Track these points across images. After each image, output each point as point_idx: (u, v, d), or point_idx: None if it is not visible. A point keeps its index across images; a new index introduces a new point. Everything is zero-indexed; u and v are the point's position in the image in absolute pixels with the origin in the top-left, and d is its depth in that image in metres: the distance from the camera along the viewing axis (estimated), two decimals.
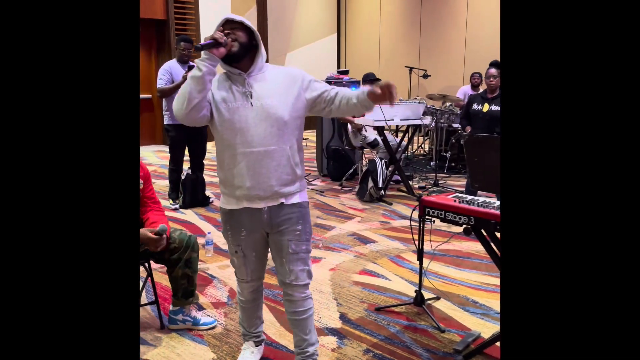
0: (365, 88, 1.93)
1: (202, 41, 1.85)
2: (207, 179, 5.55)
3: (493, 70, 4.39)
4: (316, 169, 6.76)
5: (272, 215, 1.98)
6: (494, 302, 2.99)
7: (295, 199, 2.01)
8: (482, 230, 2.32)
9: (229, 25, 1.91)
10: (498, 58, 6.51)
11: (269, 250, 2.11)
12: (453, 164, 6.75)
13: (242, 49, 1.90)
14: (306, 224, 2.05)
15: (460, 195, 2.50)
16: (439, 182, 5.97)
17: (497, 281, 3.30)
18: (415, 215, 2.59)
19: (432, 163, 6.94)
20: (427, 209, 2.43)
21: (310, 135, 8.32)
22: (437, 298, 3.04)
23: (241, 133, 1.88)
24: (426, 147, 8.11)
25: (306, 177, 6.38)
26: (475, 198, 2.42)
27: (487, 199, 2.39)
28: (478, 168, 2.03)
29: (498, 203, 2.32)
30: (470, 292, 3.14)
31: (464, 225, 2.30)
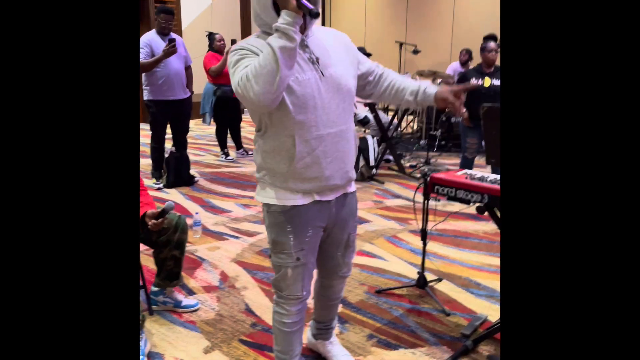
0: (429, 86, 1.66)
1: None
2: (191, 157, 5.33)
3: (493, 44, 4.22)
4: None
5: (339, 207, 1.72)
6: (498, 284, 2.88)
7: (354, 186, 1.79)
8: (495, 209, 2.19)
9: None
10: (486, 33, 6.35)
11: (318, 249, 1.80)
12: (443, 142, 6.62)
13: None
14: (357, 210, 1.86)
15: (469, 172, 2.35)
16: (430, 161, 5.84)
17: (499, 262, 3.19)
18: (419, 195, 2.44)
19: (422, 141, 6.81)
20: (435, 187, 2.28)
21: None
22: (440, 280, 2.92)
23: (316, 111, 1.51)
24: (414, 125, 7.97)
25: None
26: (486, 175, 2.27)
27: (497, 176, 2.25)
28: (496, 142, 1.88)
29: None
30: (473, 273, 3.03)
31: (477, 204, 2.15)
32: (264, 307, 2.59)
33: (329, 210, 1.68)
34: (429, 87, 1.67)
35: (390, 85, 1.74)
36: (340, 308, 2.58)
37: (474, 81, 4.27)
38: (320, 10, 1.39)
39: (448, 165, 5.68)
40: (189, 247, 3.33)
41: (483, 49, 4.27)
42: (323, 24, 11.65)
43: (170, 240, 2.39)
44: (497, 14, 8.54)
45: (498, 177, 2.21)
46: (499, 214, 2.20)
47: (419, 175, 5.30)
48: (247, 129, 7.96)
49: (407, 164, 5.75)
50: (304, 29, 1.52)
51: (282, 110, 1.49)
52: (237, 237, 3.59)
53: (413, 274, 2.96)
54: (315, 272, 1.83)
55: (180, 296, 2.60)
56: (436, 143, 6.54)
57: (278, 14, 1.44)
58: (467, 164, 4.45)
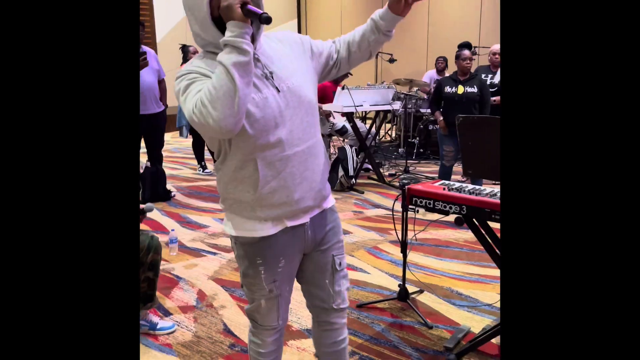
0: (378, 11, 1.51)
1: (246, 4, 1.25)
2: (167, 171, 5.23)
3: (468, 52, 4.25)
4: None
5: (315, 228, 1.52)
6: (480, 293, 2.86)
7: (331, 201, 1.59)
8: (474, 220, 2.16)
9: None
10: (461, 41, 6.40)
11: (298, 275, 1.63)
12: (421, 150, 6.64)
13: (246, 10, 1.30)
14: (341, 229, 1.65)
15: (446, 182, 2.33)
16: (409, 169, 5.84)
17: (480, 270, 3.17)
18: (398, 205, 2.41)
19: (400, 150, 6.81)
20: (413, 198, 2.25)
21: None
22: (421, 291, 2.89)
23: (279, 132, 1.36)
24: (392, 133, 7.98)
25: None
26: (463, 185, 2.25)
27: (475, 186, 2.23)
28: (473, 153, 1.85)
29: (490, 190, 2.17)
30: (454, 283, 3.00)
31: (456, 215, 2.13)
32: (242, 327, 2.52)
33: (304, 235, 1.50)
34: (379, 10, 1.52)
35: (350, 43, 1.55)
36: None
37: (448, 89, 4.29)
38: (270, 15, 1.25)
39: (427, 173, 5.69)
40: (164, 265, 3.24)
41: (457, 57, 4.30)
42: (299, 30, 11.67)
43: (143, 262, 2.31)
44: (471, 23, 8.64)
45: (476, 187, 2.19)
46: (477, 224, 2.18)
47: (398, 184, 5.28)
48: None
49: (386, 173, 5.74)
50: (253, 40, 1.35)
51: (240, 134, 1.33)
52: (214, 253, 3.51)
53: (394, 285, 2.92)
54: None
55: (155, 318, 2.52)
56: (414, 151, 6.55)
57: (220, 29, 1.31)
58: (445, 171, 4.45)
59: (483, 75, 4.75)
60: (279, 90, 1.38)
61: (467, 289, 2.93)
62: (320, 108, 5.30)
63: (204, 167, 5.99)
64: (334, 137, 5.85)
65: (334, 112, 5.30)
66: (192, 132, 5.82)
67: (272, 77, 1.38)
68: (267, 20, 1.24)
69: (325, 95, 5.31)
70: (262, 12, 1.25)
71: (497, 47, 4.76)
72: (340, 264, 1.60)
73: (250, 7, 1.25)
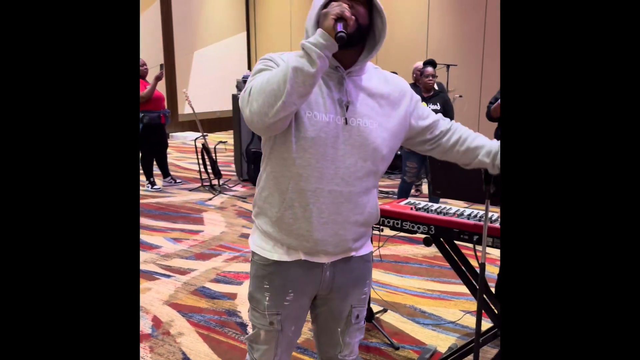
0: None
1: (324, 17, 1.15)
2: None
3: (431, 69, 4.27)
4: (235, 174, 6.38)
5: (336, 272, 1.39)
6: (443, 310, 2.86)
7: (365, 249, 1.45)
8: (441, 239, 2.15)
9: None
10: (412, 57, 6.52)
11: (312, 317, 1.51)
12: None
13: (357, 34, 1.22)
14: (371, 281, 1.52)
15: (412, 201, 2.31)
16: None
17: (442, 287, 3.18)
18: None
19: None
20: (381, 218, 2.21)
21: (228, 137, 7.90)
22: (385, 310, 2.85)
23: (323, 161, 1.25)
24: None
25: (225, 183, 6.07)
26: (429, 204, 2.24)
27: (441, 205, 2.23)
28: (442, 173, 1.84)
29: (456, 209, 2.16)
30: (417, 300, 2.99)
31: (424, 236, 2.11)
32: (203, 355, 2.39)
33: (321, 275, 1.37)
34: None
35: (460, 141, 1.43)
36: None
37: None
38: (345, 35, 1.14)
39: (382, 187, 5.72)
40: None
41: (421, 74, 4.32)
42: (249, 42, 11.59)
43: None
44: (424, 40, 8.84)
45: (443, 206, 2.19)
46: (445, 244, 2.17)
47: None
48: (174, 155, 7.65)
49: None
50: (350, 62, 1.28)
51: (285, 144, 1.25)
52: (168, 276, 3.35)
53: None
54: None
55: None
56: None
57: None
58: (405, 188, 4.48)
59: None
60: (347, 122, 1.27)
61: (430, 306, 2.92)
62: None
63: (152, 184, 5.77)
64: None
65: None
66: (141, 147, 5.59)
67: (347, 108, 1.27)
68: (340, 39, 1.13)
69: None
70: (340, 30, 1.14)
71: (428, 69, 4.67)
72: (358, 316, 1.47)
73: (340, 26, 1.15)
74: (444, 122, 1.46)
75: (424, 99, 4.28)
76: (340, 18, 1.14)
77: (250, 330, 2.60)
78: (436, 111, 4.24)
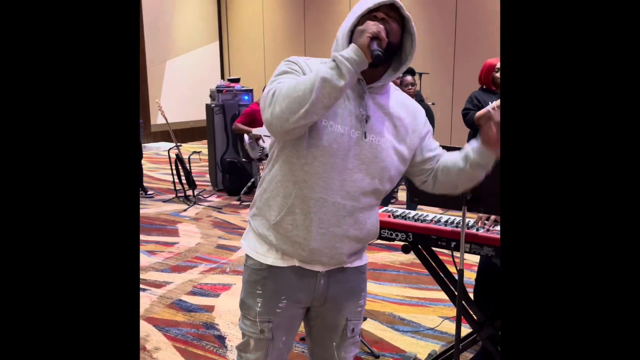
0: (472, 143, 1.37)
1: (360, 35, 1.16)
2: None
3: (410, 78, 4.31)
4: (210, 184, 6.32)
5: (331, 282, 1.36)
6: (421, 317, 2.87)
7: (360, 261, 1.43)
8: (419, 246, 2.16)
9: (384, 9, 1.23)
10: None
11: (306, 330, 1.48)
12: None
13: (388, 52, 1.21)
14: (366, 294, 1.50)
15: (389, 209, 2.32)
16: None
17: (420, 294, 3.20)
18: None
19: None
20: None
21: (202, 147, 7.83)
22: (364, 319, 2.85)
23: (332, 171, 1.24)
24: None
25: (200, 194, 5.99)
26: (406, 211, 2.26)
27: (419, 212, 2.25)
28: None
29: (433, 216, 2.18)
30: (396, 308, 3.00)
31: (403, 243, 2.12)
32: None
33: (316, 283, 1.34)
34: (473, 142, 1.38)
35: (442, 166, 1.41)
36: None
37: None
38: (382, 54, 1.15)
39: None
40: None
41: (400, 83, 4.35)
42: (221, 52, 11.53)
43: None
44: None
45: (420, 213, 2.21)
46: (424, 251, 2.18)
47: None
48: (147, 166, 7.53)
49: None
50: (373, 78, 1.28)
51: (296, 149, 1.24)
52: (143, 290, 3.28)
53: None
54: None
55: None
56: None
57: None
58: (385, 197, 4.47)
59: None
60: (365, 136, 1.26)
61: (409, 313, 2.93)
62: (249, 132, 5.21)
63: None
64: (264, 162, 5.75)
65: (264, 136, 5.22)
66: None
67: (366, 122, 1.27)
68: (377, 57, 1.14)
69: (255, 119, 5.23)
70: (375, 48, 1.15)
71: (407, 78, 4.75)
72: (353, 330, 1.44)
73: (375, 45, 1.15)
74: (440, 156, 1.44)
75: None
76: (375, 37, 1.15)
77: (229, 343, 2.56)
78: None
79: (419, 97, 4.73)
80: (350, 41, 1.21)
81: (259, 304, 1.35)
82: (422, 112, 1.42)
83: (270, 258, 1.34)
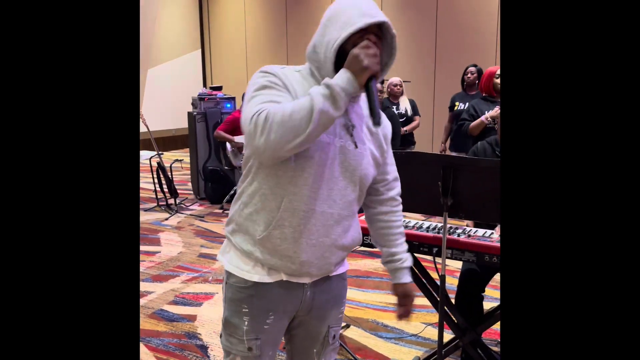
0: (402, 274, 1.45)
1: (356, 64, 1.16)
2: None
3: (396, 79, 4.54)
4: (192, 193, 6.27)
5: (316, 292, 1.35)
6: (404, 324, 2.88)
7: (343, 268, 1.43)
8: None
9: (373, 28, 1.23)
10: None
11: (286, 338, 1.47)
12: None
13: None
14: (346, 299, 1.49)
15: None
16: None
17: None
18: None
19: None
20: None
21: (184, 155, 7.78)
22: (347, 326, 2.85)
23: (320, 181, 1.24)
24: None
25: (182, 202, 5.94)
26: None
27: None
28: (403, 188, 1.86)
29: (415, 222, 2.20)
30: (379, 314, 3.00)
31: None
32: None
33: (302, 295, 1.33)
34: (400, 271, 1.45)
35: (382, 223, 1.47)
36: None
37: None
38: (379, 121, 1.20)
39: None
40: None
41: (388, 84, 4.52)
42: (203, 60, 11.50)
43: None
44: None
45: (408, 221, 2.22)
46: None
47: None
48: None
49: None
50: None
51: (282, 161, 1.21)
52: None
53: None
54: None
55: None
56: None
57: (337, 64, 1.20)
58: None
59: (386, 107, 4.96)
60: (356, 146, 1.27)
61: (391, 320, 2.93)
62: (232, 141, 5.19)
63: None
64: None
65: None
66: None
67: (353, 131, 1.28)
68: (375, 120, 1.19)
69: (237, 127, 5.21)
70: (378, 110, 1.18)
71: (395, 79, 4.95)
72: (334, 336, 1.44)
73: (375, 84, 1.18)
74: (396, 186, 1.48)
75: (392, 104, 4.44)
76: (374, 76, 1.17)
77: (212, 352, 2.54)
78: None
79: (385, 104, 4.93)
80: (337, 58, 1.20)
81: (246, 323, 1.31)
82: (385, 118, 1.40)
83: (256, 275, 1.30)
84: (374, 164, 1.35)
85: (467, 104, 4.61)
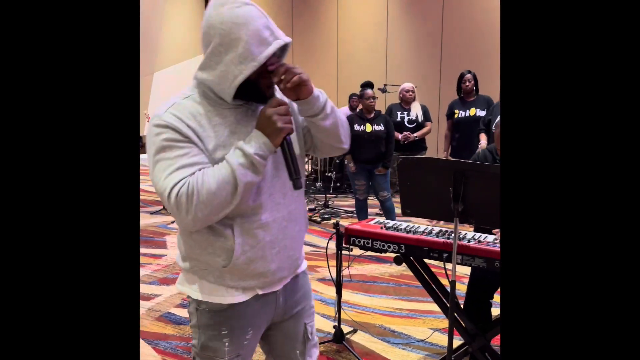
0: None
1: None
2: None
3: (370, 91, 4.53)
4: None
5: (287, 295, 1.37)
6: (412, 329, 2.88)
7: (304, 263, 1.45)
8: (411, 257, 2.18)
9: (279, 53, 1.23)
10: (369, 80, 6.65)
11: (266, 348, 1.47)
12: (338, 184, 6.72)
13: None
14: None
15: (381, 220, 2.34)
16: (329, 203, 5.87)
17: (410, 305, 3.21)
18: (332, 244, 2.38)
19: (318, 184, 6.86)
20: (352, 238, 2.22)
21: None
22: (355, 331, 2.85)
23: (260, 196, 1.22)
24: (309, 167, 8.03)
25: None
26: (398, 223, 2.28)
27: (409, 224, 2.26)
28: (411, 192, 1.87)
29: (425, 228, 2.20)
30: (386, 320, 3.00)
31: (395, 255, 2.13)
32: None
33: (276, 302, 1.35)
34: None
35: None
36: None
37: (357, 127, 4.38)
38: (301, 184, 1.21)
39: (346, 207, 5.75)
40: None
41: (361, 96, 4.52)
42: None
43: None
44: (378, 62, 9.03)
45: (411, 225, 2.23)
46: (415, 263, 2.20)
47: (319, 219, 5.29)
48: None
49: (307, 208, 5.72)
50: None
51: None
52: None
53: (327, 326, 2.86)
54: None
55: None
56: (331, 185, 6.62)
57: (242, 94, 1.16)
58: (360, 206, 4.67)
59: (399, 112, 4.96)
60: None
61: (399, 325, 2.93)
62: None
63: None
64: None
65: None
66: None
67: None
68: (294, 182, 1.20)
69: None
70: (297, 175, 1.19)
71: (407, 85, 5.04)
72: (312, 332, 1.45)
73: (290, 141, 1.19)
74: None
75: (367, 120, 4.40)
76: (288, 135, 1.18)
77: None
78: (381, 132, 4.39)
79: (389, 108, 5.07)
80: (244, 89, 1.15)
81: (227, 344, 1.30)
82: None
83: (230, 297, 1.28)
84: (299, 139, 1.32)
85: (467, 111, 4.66)
